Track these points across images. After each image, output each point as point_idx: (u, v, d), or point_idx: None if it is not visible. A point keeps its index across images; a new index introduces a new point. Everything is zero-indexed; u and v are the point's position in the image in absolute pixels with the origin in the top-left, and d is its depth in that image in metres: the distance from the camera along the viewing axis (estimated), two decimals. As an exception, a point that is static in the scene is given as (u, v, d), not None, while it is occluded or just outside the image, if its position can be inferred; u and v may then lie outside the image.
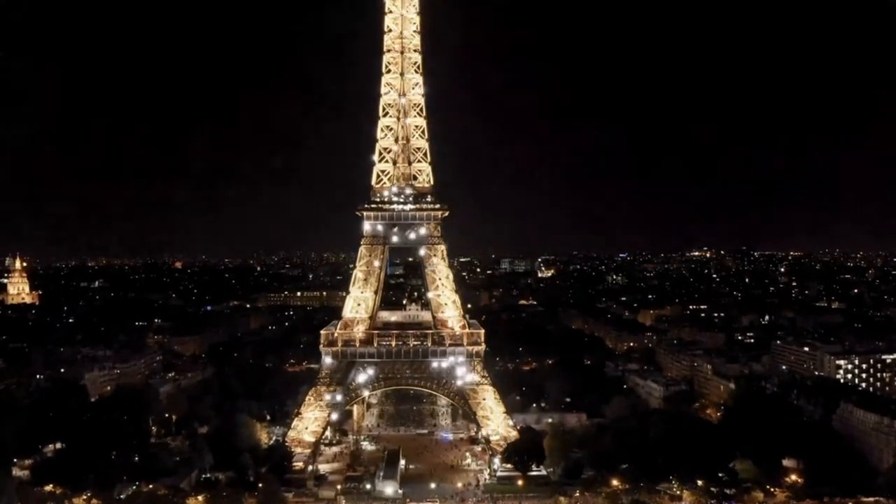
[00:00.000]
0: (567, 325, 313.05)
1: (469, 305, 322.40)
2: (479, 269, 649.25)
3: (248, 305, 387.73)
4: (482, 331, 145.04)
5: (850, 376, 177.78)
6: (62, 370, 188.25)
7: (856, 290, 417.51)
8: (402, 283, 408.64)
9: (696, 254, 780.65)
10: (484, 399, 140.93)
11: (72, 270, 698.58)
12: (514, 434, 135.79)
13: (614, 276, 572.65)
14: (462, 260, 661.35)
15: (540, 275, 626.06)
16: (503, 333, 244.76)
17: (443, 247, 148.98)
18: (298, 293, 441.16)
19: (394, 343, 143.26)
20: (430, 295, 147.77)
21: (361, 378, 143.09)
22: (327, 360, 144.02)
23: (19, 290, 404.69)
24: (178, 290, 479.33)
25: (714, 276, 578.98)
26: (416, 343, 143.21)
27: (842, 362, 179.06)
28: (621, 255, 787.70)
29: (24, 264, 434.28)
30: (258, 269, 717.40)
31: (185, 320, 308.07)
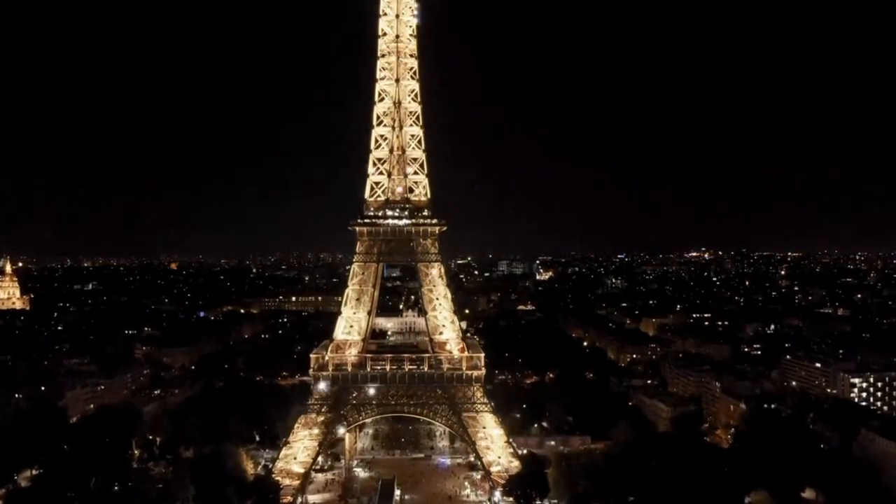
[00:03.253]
0: (567, 333, 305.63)
1: (466, 311, 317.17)
2: (476, 272, 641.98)
3: (241, 311, 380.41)
4: (482, 354, 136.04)
5: (864, 395, 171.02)
6: (42, 388, 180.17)
7: (859, 296, 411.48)
8: (399, 286, 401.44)
9: (695, 254, 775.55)
10: (484, 427, 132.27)
11: (66, 272, 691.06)
12: (515, 464, 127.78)
13: (613, 280, 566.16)
14: (460, 262, 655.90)
15: (538, 277, 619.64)
16: (502, 343, 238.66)
17: (440, 264, 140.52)
18: (294, 297, 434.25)
19: (388, 367, 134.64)
20: (427, 315, 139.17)
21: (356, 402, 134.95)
22: (318, 385, 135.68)
23: (9, 294, 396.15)
24: (172, 293, 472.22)
25: (714, 279, 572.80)
26: (411, 367, 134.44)
27: (857, 380, 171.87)
28: (619, 255, 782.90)
29: (20, 264, 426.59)
30: (254, 270, 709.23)
31: (176, 328, 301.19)
